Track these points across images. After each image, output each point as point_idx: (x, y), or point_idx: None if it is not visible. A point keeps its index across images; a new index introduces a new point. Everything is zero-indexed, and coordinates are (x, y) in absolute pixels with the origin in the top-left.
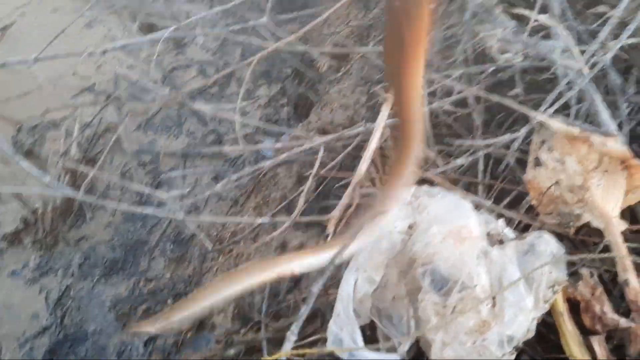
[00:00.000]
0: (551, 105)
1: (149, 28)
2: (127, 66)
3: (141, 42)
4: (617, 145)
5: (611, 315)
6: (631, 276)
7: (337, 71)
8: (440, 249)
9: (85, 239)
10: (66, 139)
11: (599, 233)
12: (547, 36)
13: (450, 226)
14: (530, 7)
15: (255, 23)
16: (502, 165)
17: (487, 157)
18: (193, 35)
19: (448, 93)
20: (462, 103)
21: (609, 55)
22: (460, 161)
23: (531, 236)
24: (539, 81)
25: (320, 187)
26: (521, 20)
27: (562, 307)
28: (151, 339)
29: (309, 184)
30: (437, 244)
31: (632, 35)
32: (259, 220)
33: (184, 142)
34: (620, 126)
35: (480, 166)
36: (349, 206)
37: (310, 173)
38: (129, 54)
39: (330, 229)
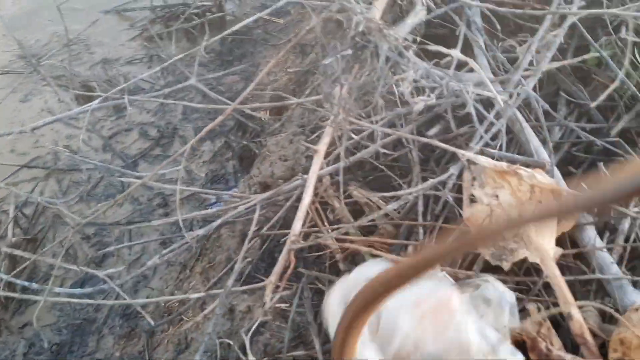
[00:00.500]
0: (480, 139)
1: (86, 96)
2: (66, 136)
3: (80, 112)
4: (545, 177)
5: (557, 352)
6: (573, 309)
7: (278, 120)
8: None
9: (29, 324)
10: (2, 223)
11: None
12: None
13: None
14: (454, 41)
15: (182, 85)
16: (439, 205)
17: (427, 197)
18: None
19: (382, 136)
20: (400, 142)
21: (530, 83)
22: (392, 206)
23: (478, 281)
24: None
25: (266, 244)
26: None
27: None
28: None
29: (244, 248)
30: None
31: (553, 60)
32: (193, 296)
33: (128, 210)
34: (558, 147)
35: (420, 207)
36: (286, 268)
37: (254, 230)
38: (67, 124)
39: (268, 294)
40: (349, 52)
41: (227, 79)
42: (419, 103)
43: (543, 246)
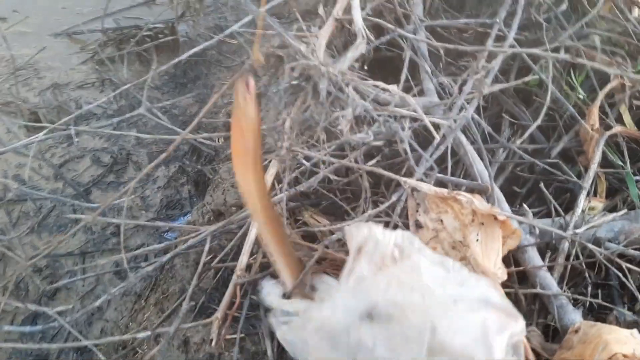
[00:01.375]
0: (423, 165)
1: (36, 122)
2: (15, 165)
3: (27, 143)
4: (482, 203)
5: None
6: None
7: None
8: None
9: None
10: None
11: None
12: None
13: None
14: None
15: (131, 114)
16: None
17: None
18: (84, 124)
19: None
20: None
21: (471, 109)
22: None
23: None
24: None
25: (219, 273)
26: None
27: None
28: None
29: (194, 283)
30: None
31: (497, 82)
32: (140, 336)
33: (81, 240)
34: (503, 167)
35: None
36: (232, 304)
37: (207, 259)
38: (17, 153)
39: (214, 330)
40: (289, 85)
41: (182, 102)
42: (357, 139)
43: (490, 269)
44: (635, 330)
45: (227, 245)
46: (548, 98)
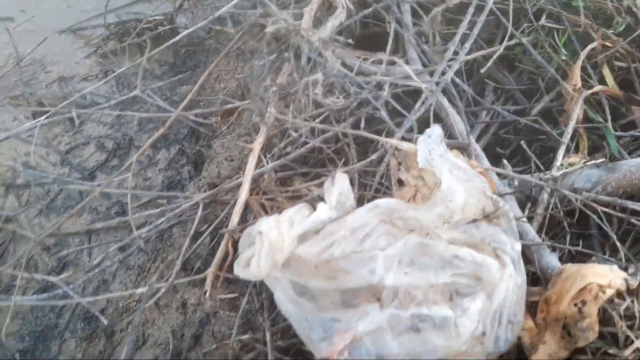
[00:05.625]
0: (405, 127)
1: (41, 113)
2: (24, 153)
3: (31, 127)
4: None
5: None
6: None
7: (227, 127)
8: None
9: None
10: None
11: None
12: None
13: None
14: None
15: (127, 96)
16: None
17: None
18: (86, 112)
19: (319, 132)
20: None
21: (451, 72)
22: None
23: None
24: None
25: (215, 240)
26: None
27: None
28: None
29: (186, 244)
30: None
31: (473, 51)
32: (138, 291)
33: (87, 219)
34: (487, 129)
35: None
36: (225, 257)
37: (203, 228)
38: (25, 142)
39: (208, 282)
40: (273, 55)
41: (182, 89)
42: (331, 104)
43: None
44: (614, 266)
45: (221, 214)
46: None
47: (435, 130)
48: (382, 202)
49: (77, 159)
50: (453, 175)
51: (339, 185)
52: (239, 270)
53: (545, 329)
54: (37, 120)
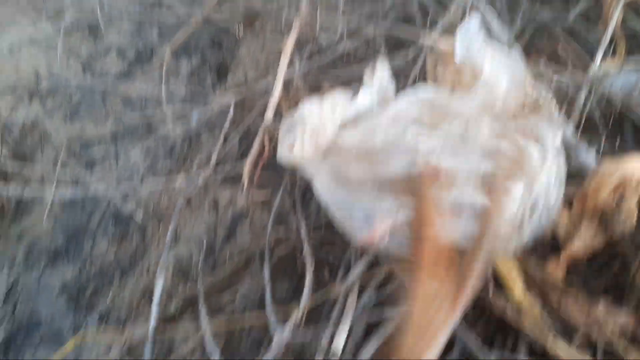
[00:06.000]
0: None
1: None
2: (45, 62)
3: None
4: None
5: None
6: None
7: (251, 33)
8: None
9: (25, 233)
10: None
11: None
12: None
13: None
14: None
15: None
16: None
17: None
18: (107, 20)
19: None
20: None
21: None
22: None
23: None
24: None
25: (244, 144)
26: None
27: None
28: (105, 313)
29: (219, 145)
30: None
31: None
32: (178, 182)
33: (112, 127)
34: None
35: None
36: (262, 151)
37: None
38: (46, 50)
39: (245, 173)
40: None
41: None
42: None
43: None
44: None
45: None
46: None
47: (474, 21)
48: (423, 91)
49: (98, 67)
50: (494, 65)
51: (379, 73)
52: (282, 152)
53: (581, 221)
54: (57, 26)
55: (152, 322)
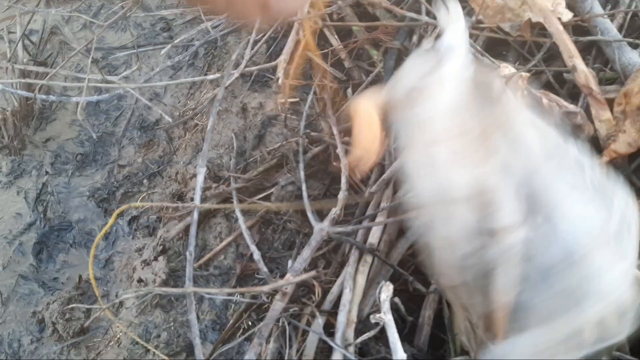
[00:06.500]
0: None
1: None
2: None
3: None
4: None
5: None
6: (578, 61)
7: None
8: None
9: (52, 139)
10: (11, 45)
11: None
12: None
13: None
14: None
15: None
16: None
17: None
18: None
19: None
20: None
21: None
22: None
23: None
24: None
25: (272, 48)
26: None
27: None
28: (134, 218)
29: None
30: None
31: None
32: (209, 77)
33: (133, 35)
34: None
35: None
36: (296, 47)
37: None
38: None
39: (280, 70)
40: None
41: None
42: None
43: (547, 6)
44: None
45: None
46: None
47: None
48: None
49: None
50: None
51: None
52: None
53: (624, 119)
54: None
55: (195, 215)
